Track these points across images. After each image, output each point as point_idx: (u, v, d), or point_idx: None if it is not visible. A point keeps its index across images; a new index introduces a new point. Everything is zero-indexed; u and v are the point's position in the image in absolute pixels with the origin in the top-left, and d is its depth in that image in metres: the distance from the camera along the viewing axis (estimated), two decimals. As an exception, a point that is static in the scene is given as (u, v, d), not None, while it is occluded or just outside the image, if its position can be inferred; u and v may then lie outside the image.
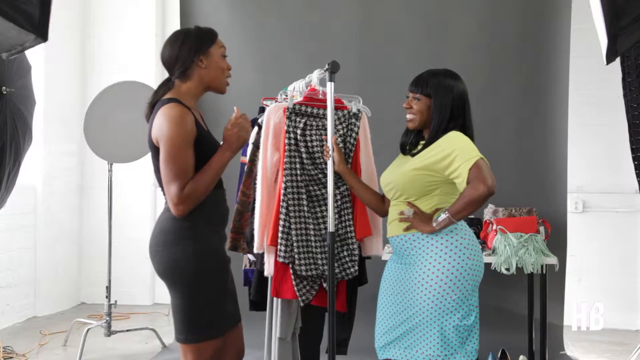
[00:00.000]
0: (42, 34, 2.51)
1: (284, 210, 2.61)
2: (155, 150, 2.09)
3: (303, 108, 2.68)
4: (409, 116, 2.34)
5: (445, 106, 2.27)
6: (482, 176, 2.08)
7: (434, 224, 2.20)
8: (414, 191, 2.26)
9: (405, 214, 2.28)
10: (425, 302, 2.20)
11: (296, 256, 2.60)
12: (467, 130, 2.29)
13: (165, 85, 2.19)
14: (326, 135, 2.61)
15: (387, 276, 2.40)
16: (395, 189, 2.31)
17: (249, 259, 2.96)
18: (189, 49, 2.14)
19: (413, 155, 2.32)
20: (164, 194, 2.09)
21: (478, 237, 3.60)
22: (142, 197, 5.57)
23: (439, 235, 2.22)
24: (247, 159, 2.88)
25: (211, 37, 2.21)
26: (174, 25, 5.29)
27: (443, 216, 2.17)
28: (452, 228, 2.23)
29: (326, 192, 2.60)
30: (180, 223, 2.08)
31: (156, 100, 2.15)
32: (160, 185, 2.10)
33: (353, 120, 2.75)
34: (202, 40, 2.18)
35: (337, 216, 2.62)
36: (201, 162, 2.09)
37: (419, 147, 2.34)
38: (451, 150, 2.17)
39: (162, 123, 2.04)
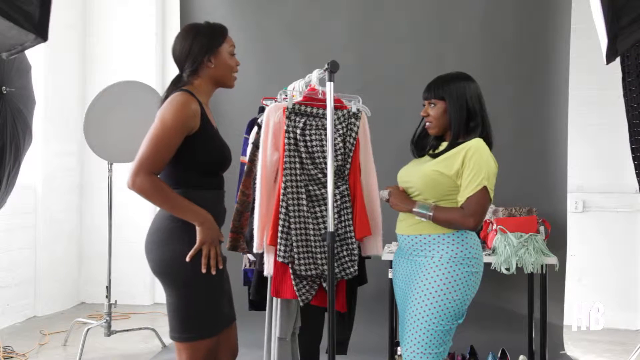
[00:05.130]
0: (42, 34, 2.51)
1: (283, 210, 2.61)
2: None
3: (302, 108, 2.68)
4: (428, 123, 2.35)
5: (461, 108, 2.27)
6: (477, 211, 2.18)
7: (414, 208, 2.23)
8: (434, 193, 2.26)
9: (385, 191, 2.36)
10: (424, 303, 2.20)
11: (296, 256, 2.60)
12: (487, 129, 2.32)
13: (176, 84, 2.20)
14: (326, 135, 2.61)
15: (397, 273, 2.40)
16: (414, 189, 2.31)
17: (249, 259, 2.96)
18: (199, 48, 2.15)
19: (434, 155, 2.31)
20: None
21: (478, 236, 3.59)
22: (142, 197, 5.56)
23: (448, 241, 2.22)
24: (246, 158, 2.88)
25: (221, 34, 2.22)
26: (174, 25, 5.29)
27: (427, 213, 2.21)
28: (465, 236, 2.24)
29: (326, 192, 2.60)
30: (175, 222, 2.08)
31: (170, 93, 2.18)
32: None
33: (352, 120, 2.75)
34: (213, 38, 2.18)
35: (336, 216, 2.62)
36: (199, 154, 2.09)
37: (441, 148, 2.34)
38: (467, 165, 2.20)
39: (165, 106, 2.07)
